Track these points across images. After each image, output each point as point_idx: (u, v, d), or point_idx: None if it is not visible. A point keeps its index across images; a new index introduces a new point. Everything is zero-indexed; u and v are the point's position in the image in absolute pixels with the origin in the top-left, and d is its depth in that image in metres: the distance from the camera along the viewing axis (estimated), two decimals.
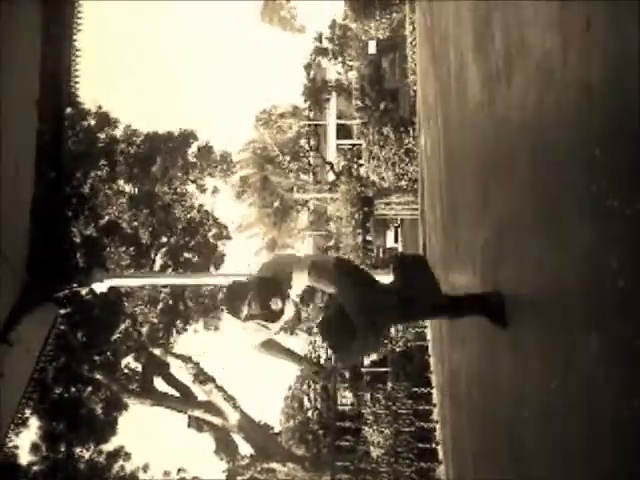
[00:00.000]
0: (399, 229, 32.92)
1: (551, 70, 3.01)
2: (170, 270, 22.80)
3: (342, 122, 36.68)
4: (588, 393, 2.53)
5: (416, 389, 16.89)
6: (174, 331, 22.90)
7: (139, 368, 22.11)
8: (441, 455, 14.01)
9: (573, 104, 2.72)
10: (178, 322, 22.92)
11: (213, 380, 21.14)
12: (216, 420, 21.20)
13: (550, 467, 3.16)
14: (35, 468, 19.28)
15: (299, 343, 25.67)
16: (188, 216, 23.77)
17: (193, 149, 24.86)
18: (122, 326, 20.79)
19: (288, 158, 32.92)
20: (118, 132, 22.68)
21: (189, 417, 21.88)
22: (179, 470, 23.11)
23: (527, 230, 3.63)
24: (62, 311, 14.94)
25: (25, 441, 19.01)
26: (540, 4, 3.28)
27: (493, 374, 4.68)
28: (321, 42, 30.81)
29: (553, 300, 3.09)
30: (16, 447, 17.40)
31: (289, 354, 4.84)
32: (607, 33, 2.38)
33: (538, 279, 3.38)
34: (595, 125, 2.48)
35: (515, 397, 3.98)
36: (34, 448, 19.40)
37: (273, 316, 4.33)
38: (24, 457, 18.99)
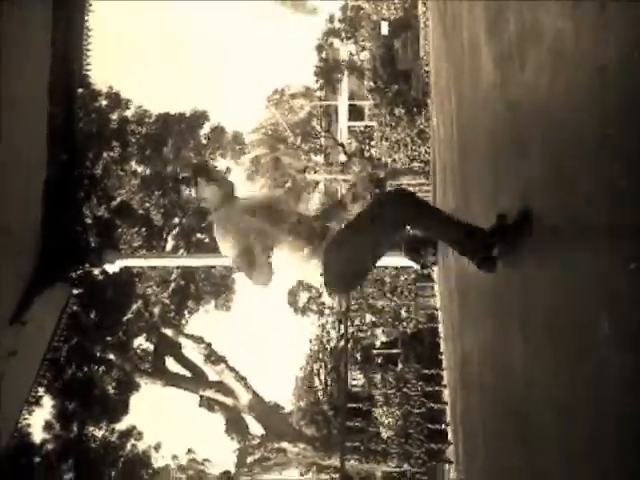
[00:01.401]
0: None
1: (564, 52, 2.99)
2: (182, 251, 22.88)
3: (354, 103, 36.55)
4: (598, 377, 2.54)
5: (426, 371, 16.95)
6: (185, 311, 23.01)
7: (151, 348, 22.26)
8: (451, 436, 14.06)
9: (586, 86, 2.70)
10: (189, 302, 23.03)
11: (224, 360, 21.25)
12: (227, 400, 21.33)
13: (558, 452, 3.17)
14: (48, 446, 19.50)
15: (309, 325, 25.79)
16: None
17: (205, 130, 24.85)
18: (134, 306, 20.91)
19: (299, 139, 32.86)
20: (130, 113, 22.69)
21: (200, 397, 22.03)
22: (188, 451, 23.35)
23: (539, 214, 3.62)
24: (75, 291, 15.05)
25: (39, 420, 19.23)
26: None
27: (504, 355, 4.69)
28: (333, 23, 30.67)
29: (565, 282, 3.08)
30: (29, 425, 17.61)
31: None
32: (621, 16, 2.36)
33: (550, 263, 3.38)
34: (608, 107, 2.46)
35: (526, 379, 3.98)
36: (47, 427, 19.62)
37: None
38: (37, 435, 19.23)
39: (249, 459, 21.10)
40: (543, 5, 3.48)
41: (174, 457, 23.43)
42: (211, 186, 4.40)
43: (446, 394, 15.19)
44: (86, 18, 14.60)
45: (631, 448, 2.24)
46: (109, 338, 20.28)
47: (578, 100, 2.84)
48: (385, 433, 17.51)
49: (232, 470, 21.35)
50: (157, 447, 22.62)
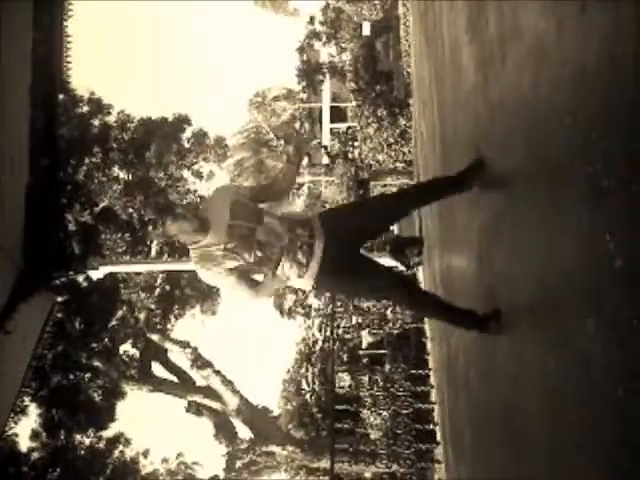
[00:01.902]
0: None
1: (545, 53, 3.00)
2: (166, 256, 22.80)
3: (336, 105, 36.58)
4: (584, 375, 2.55)
5: (413, 371, 16.97)
6: (171, 316, 22.95)
7: (137, 354, 22.17)
8: (439, 436, 14.09)
9: (568, 87, 2.71)
10: (175, 307, 22.97)
11: (211, 365, 21.20)
12: (215, 405, 21.29)
13: (545, 449, 3.18)
14: (35, 455, 19.38)
15: (295, 327, 25.78)
16: (183, 202, 23.73)
17: (187, 134, 24.79)
18: (119, 313, 20.84)
19: (282, 141, 32.82)
20: (112, 118, 22.60)
21: (188, 402, 21.97)
22: (178, 455, 23.31)
23: (523, 212, 3.63)
24: (59, 299, 14.97)
25: (25, 429, 19.11)
26: None
27: (490, 356, 4.70)
28: (314, 25, 30.68)
29: (549, 281, 3.09)
30: (16, 435, 17.50)
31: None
32: (602, 16, 2.37)
33: (533, 260, 3.39)
34: (590, 107, 2.47)
35: (512, 379, 4.00)
36: (34, 435, 19.51)
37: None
38: (24, 444, 19.10)
39: (238, 463, 21.06)
40: (523, 5, 3.49)
41: (164, 460, 23.36)
42: (180, 224, 4.23)
43: (433, 394, 15.21)
44: (66, 24, 14.54)
45: (620, 446, 2.25)
46: (95, 345, 20.18)
47: (560, 101, 2.85)
48: (373, 434, 17.52)
49: (221, 475, 21.31)
50: (145, 453, 22.54)
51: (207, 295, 23.94)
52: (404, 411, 16.99)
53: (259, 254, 4.20)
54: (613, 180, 2.24)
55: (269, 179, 4.46)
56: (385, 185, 23.07)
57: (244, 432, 21.63)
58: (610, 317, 2.31)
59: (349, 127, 32.12)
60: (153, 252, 22.81)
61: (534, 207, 3.37)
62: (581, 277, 2.61)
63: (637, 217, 2.08)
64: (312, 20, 30.82)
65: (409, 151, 21.55)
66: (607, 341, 2.33)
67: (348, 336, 21.27)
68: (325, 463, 18.63)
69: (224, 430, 21.66)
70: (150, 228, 4.13)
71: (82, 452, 20.35)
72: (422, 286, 11.89)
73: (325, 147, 32.62)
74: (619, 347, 2.23)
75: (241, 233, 4.19)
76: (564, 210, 2.80)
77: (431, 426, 15.67)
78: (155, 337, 21.81)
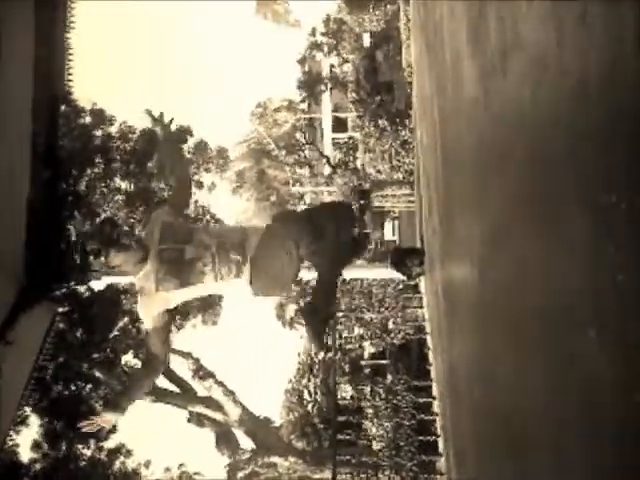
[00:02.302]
0: (397, 221, 32.94)
1: (546, 64, 3.00)
2: None
3: (337, 115, 36.65)
4: (587, 390, 2.53)
5: (416, 382, 16.93)
6: (173, 327, 22.92)
7: (138, 365, 22.12)
8: (441, 448, 14.04)
9: (568, 98, 2.71)
10: (176, 318, 22.93)
11: (213, 375, 21.16)
12: (216, 415, 21.23)
13: (549, 462, 3.17)
14: (37, 466, 19.33)
15: (296, 338, 25.74)
16: (185, 212, 23.73)
17: (189, 145, 24.82)
18: (120, 323, 20.80)
19: (284, 152, 32.90)
20: (114, 129, 22.63)
21: (189, 413, 21.91)
22: (180, 465, 23.22)
23: (524, 224, 3.62)
24: (60, 309, 14.96)
25: (26, 439, 19.07)
26: None
27: (492, 367, 4.68)
28: (315, 36, 30.77)
29: (551, 295, 3.08)
30: (17, 445, 17.46)
31: None
32: (602, 28, 2.37)
33: (535, 274, 3.38)
34: (591, 119, 2.47)
35: (514, 390, 3.98)
36: (35, 446, 19.44)
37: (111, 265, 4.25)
38: (25, 455, 19.05)
39: (240, 474, 20.99)
40: (524, 17, 3.50)
41: (166, 470, 23.27)
42: (124, 254, 4.15)
43: (436, 405, 15.17)
44: (68, 36, 14.60)
45: (626, 455, 2.23)
46: (96, 355, 20.14)
47: (561, 112, 2.85)
48: (376, 445, 17.46)
49: None
50: (147, 464, 22.47)
51: (208, 305, 23.93)
52: (406, 422, 16.93)
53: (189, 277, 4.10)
54: (615, 194, 2.23)
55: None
56: (385, 196, 23.08)
57: (246, 443, 21.58)
58: (612, 332, 2.30)
59: (350, 137, 32.21)
60: None
61: (535, 219, 3.36)
62: (583, 291, 2.60)
63: (638, 231, 2.07)
64: (314, 32, 30.92)
65: (410, 162, 21.57)
66: (610, 356, 2.32)
67: (350, 346, 21.23)
68: (327, 474, 18.55)
69: (226, 441, 21.59)
70: (92, 258, 3.91)
71: (83, 463, 20.30)
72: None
73: (326, 157, 32.68)
74: (622, 362, 2.22)
75: (170, 256, 4.08)
76: (566, 223, 2.80)
77: (433, 437, 15.62)
78: None
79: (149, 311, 4.20)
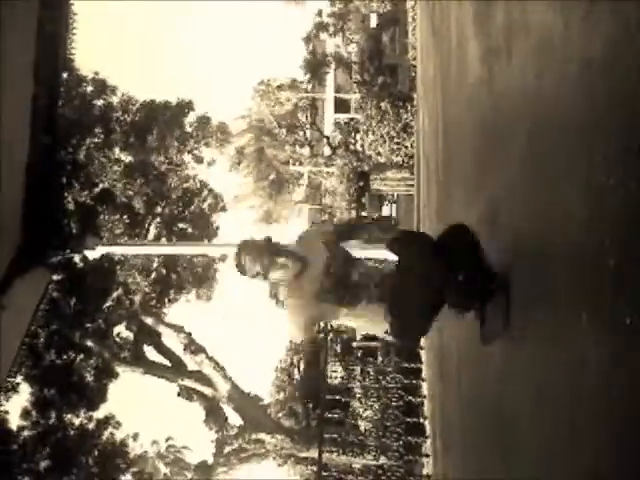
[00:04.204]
0: (394, 205, 32.92)
1: (552, 48, 2.99)
2: (164, 240, 22.77)
3: (340, 96, 36.51)
4: (576, 372, 2.55)
5: (406, 364, 16.98)
6: (166, 300, 22.93)
7: (130, 337, 22.16)
8: (428, 430, 14.13)
9: (572, 82, 2.71)
10: (170, 291, 22.94)
11: (204, 350, 21.19)
12: (206, 390, 21.28)
13: (534, 445, 3.19)
14: (25, 433, 19.38)
15: None
16: (184, 186, 23.69)
17: (190, 119, 24.70)
18: (114, 294, 20.80)
19: (285, 131, 32.79)
20: (115, 100, 22.51)
21: (179, 386, 21.97)
22: (167, 439, 23.35)
23: (521, 207, 3.63)
24: (54, 277, 14.93)
25: (16, 406, 19.09)
26: None
27: (482, 351, 4.70)
28: (321, 16, 30.60)
29: (544, 278, 3.09)
30: (6, 412, 17.50)
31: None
32: (609, 13, 2.36)
33: (531, 256, 3.39)
34: (593, 103, 2.47)
35: (503, 375, 4.00)
36: (25, 413, 19.49)
37: (266, 271, 4.12)
38: (14, 422, 19.10)
39: (227, 449, 21.08)
40: (532, 1, 3.48)
41: (153, 443, 23.39)
42: (284, 270, 4.17)
43: (425, 388, 15.25)
44: (72, 2, 14.48)
45: (612, 444, 2.25)
46: (88, 325, 20.14)
47: (564, 95, 2.84)
48: (363, 425, 17.53)
49: (210, 460, 21.32)
50: (135, 436, 22.55)
51: (203, 280, 23.92)
52: (394, 404, 16.99)
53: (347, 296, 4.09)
54: (612, 177, 2.23)
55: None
56: (385, 179, 23.02)
57: (234, 418, 21.65)
58: (603, 315, 2.31)
59: (352, 119, 32.08)
60: (151, 235, 22.79)
61: (532, 201, 3.37)
62: (575, 275, 2.61)
63: (634, 216, 2.07)
64: (320, 13, 30.76)
65: (411, 145, 21.50)
66: (600, 338, 2.33)
67: (342, 328, 21.26)
68: (313, 453, 18.64)
69: (214, 416, 21.65)
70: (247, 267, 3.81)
71: (72, 432, 20.35)
72: None
73: (327, 138, 32.59)
74: (612, 344, 2.23)
75: (338, 273, 4.11)
76: (562, 207, 2.80)
77: (421, 420, 15.71)
78: (149, 320, 21.77)
79: (301, 314, 4.27)
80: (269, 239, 4.22)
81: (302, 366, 22.05)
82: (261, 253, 4.08)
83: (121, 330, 22.20)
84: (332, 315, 4.26)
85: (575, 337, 2.55)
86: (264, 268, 4.10)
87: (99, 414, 21.28)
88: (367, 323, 4.29)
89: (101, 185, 21.11)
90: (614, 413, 2.19)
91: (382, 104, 22.32)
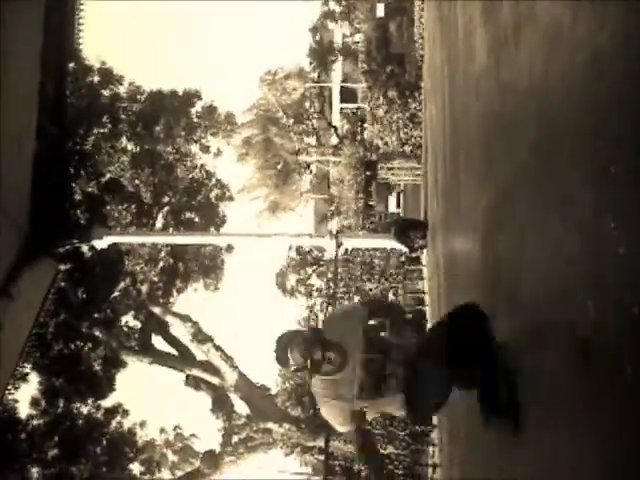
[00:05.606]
0: (401, 194, 32.87)
1: (560, 38, 2.98)
2: (171, 229, 22.80)
3: (347, 85, 36.42)
4: (585, 360, 2.55)
5: None
6: (174, 290, 22.98)
7: (138, 326, 22.22)
8: (435, 419, 14.14)
9: (580, 72, 2.70)
10: (178, 281, 22.99)
11: (211, 340, 21.23)
12: (213, 379, 21.33)
13: (540, 433, 3.20)
14: (34, 422, 19.50)
15: (297, 307, 25.84)
16: (190, 176, 23.69)
17: (197, 108, 24.67)
18: (122, 284, 20.85)
19: (292, 120, 32.74)
20: (122, 89, 22.49)
21: (187, 376, 22.03)
22: (175, 427, 23.43)
23: (529, 196, 3.62)
24: (62, 267, 14.98)
25: (25, 395, 19.19)
26: None
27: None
28: (328, 5, 30.49)
29: (552, 266, 3.09)
30: (16, 401, 17.61)
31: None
32: (617, 3, 2.36)
33: (538, 245, 3.39)
34: (600, 93, 2.46)
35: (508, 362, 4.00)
36: (34, 402, 19.60)
37: (316, 366, 3.80)
38: (23, 411, 19.22)
39: (234, 438, 21.16)
40: None
41: (161, 431, 23.48)
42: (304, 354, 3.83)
43: None
44: None
45: (620, 429, 2.25)
46: (96, 315, 20.21)
47: (572, 86, 2.84)
48: None
49: (217, 449, 21.41)
50: (142, 425, 22.65)
51: (211, 270, 23.97)
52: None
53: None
54: (620, 166, 2.23)
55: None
56: (392, 168, 22.97)
57: (241, 408, 21.71)
58: (611, 303, 2.31)
59: (359, 108, 32.01)
60: (158, 224, 22.82)
61: (540, 190, 3.36)
62: (585, 263, 2.61)
63: None
64: (327, 1, 30.65)
65: (418, 135, 21.45)
66: (607, 327, 2.34)
67: None
68: (320, 442, 18.70)
69: (221, 405, 21.72)
70: (292, 366, 3.61)
71: (80, 421, 20.45)
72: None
73: (334, 127, 32.52)
74: (618, 332, 2.23)
75: (375, 368, 3.89)
76: (570, 196, 2.80)
77: None
78: (157, 310, 21.83)
79: (342, 415, 3.98)
80: (317, 331, 3.98)
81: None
82: (313, 346, 3.81)
83: (129, 319, 22.28)
84: (371, 411, 4.05)
85: (583, 325, 2.55)
86: (314, 364, 3.81)
87: (107, 403, 21.39)
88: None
89: (108, 175, 21.15)
90: (625, 400, 2.19)
91: (389, 93, 22.26)
